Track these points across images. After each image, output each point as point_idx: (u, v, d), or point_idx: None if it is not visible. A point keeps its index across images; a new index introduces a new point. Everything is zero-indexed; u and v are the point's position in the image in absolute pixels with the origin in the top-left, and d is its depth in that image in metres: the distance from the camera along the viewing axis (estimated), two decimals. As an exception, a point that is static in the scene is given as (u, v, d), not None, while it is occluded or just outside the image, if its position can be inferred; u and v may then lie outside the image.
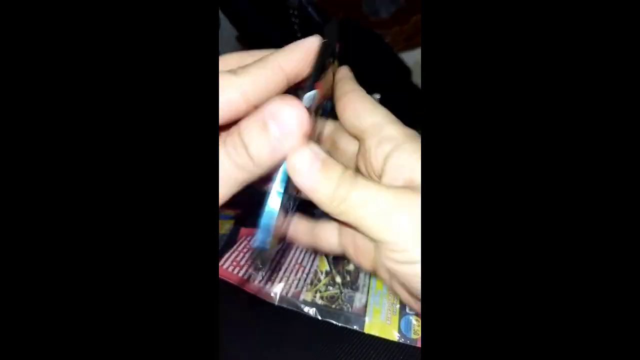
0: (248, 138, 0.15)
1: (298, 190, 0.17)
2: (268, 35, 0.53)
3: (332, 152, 0.23)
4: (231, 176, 0.16)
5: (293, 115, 0.15)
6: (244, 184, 0.17)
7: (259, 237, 0.16)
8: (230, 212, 0.41)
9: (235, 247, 0.36)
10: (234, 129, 0.16)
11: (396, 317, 0.31)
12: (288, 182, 0.16)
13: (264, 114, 0.15)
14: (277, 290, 0.32)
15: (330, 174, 0.16)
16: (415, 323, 0.31)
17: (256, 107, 0.16)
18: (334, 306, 0.32)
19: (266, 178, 0.17)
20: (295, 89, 0.18)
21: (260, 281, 0.33)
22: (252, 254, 0.18)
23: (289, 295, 0.32)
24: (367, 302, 0.32)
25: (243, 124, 0.16)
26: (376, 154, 0.18)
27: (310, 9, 0.49)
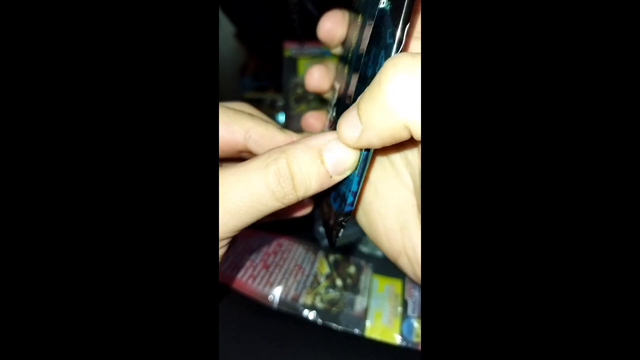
0: (297, 167, 0.14)
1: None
2: (267, 32, 0.52)
3: None
4: (261, 206, 0.14)
5: (351, 156, 0.14)
6: (267, 214, 0.15)
7: (349, 200, 0.16)
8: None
9: (232, 249, 0.35)
10: (276, 152, 0.14)
11: (398, 320, 0.31)
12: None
13: (319, 144, 0.14)
14: (275, 293, 0.32)
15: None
16: (418, 326, 0.30)
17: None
18: (334, 309, 0.31)
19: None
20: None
21: (258, 284, 0.32)
22: (338, 220, 0.17)
23: (288, 298, 0.31)
24: (368, 305, 0.32)
25: (291, 152, 0.14)
26: None
27: (309, 6, 0.48)
